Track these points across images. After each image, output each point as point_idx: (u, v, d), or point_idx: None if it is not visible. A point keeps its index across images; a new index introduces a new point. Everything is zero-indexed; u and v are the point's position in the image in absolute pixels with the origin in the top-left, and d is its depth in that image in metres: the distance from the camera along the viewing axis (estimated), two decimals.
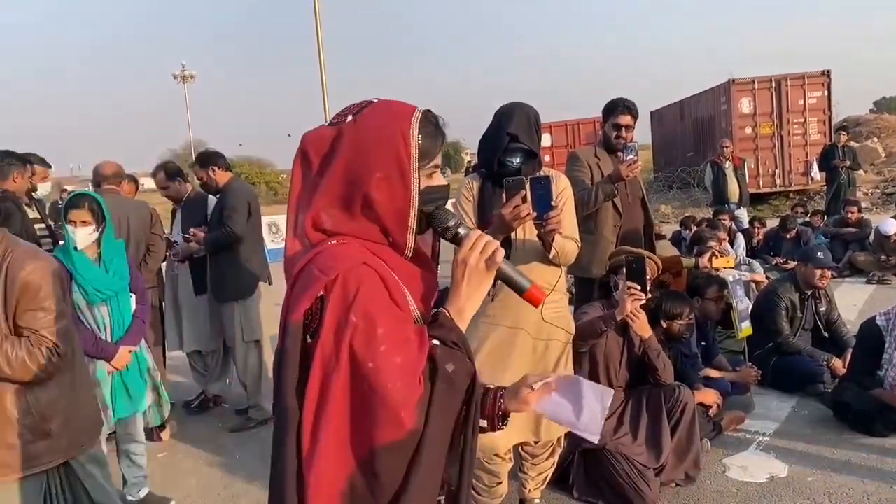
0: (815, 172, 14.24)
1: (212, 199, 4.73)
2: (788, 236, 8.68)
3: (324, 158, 1.23)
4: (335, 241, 1.21)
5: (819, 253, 4.76)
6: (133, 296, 3.30)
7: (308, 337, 1.16)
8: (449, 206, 1.36)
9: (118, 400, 3.22)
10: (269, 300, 4.68)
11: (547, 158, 16.28)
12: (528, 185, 2.31)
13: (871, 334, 3.92)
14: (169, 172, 4.88)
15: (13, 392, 2.12)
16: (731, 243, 7.47)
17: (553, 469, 3.04)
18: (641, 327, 3.19)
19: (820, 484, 3.28)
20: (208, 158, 4.60)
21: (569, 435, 3.02)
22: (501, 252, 1.26)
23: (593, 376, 3.27)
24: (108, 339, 3.18)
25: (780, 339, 4.67)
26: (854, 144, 15.51)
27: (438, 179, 1.28)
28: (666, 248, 5.32)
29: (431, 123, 1.26)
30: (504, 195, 2.36)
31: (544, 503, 3.14)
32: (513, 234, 2.56)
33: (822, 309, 4.83)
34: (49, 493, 2.29)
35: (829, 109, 15.69)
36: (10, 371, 2.06)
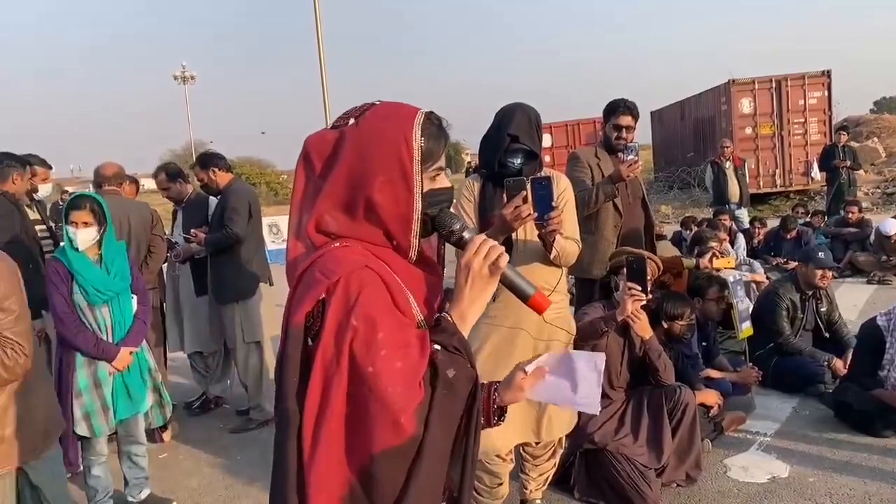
0: (816, 173, 14.26)
1: (212, 201, 4.73)
2: (789, 236, 8.68)
3: (326, 161, 1.22)
4: (338, 244, 1.20)
5: (820, 253, 4.76)
6: (134, 297, 3.30)
7: (309, 340, 1.15)
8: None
9: (119, 401, 3.22)
10: (270, 301, 4.68)
11: (547, 159, 16.27)
12: (528, 186, 2.31)
13: (871, 335, 3.92)
14: (170, 173, 4.88)
15: None
16: (732, 244, 7.47)
17: (554, 470, 3.04)
18: (642, 328, 3.19)
19: (821, 484, 3.28)
20: (208, 160, 4.61)
21: (570, 435, 3.03)
22: (506, 257, 1.25)
23: None
24: (110, 340, 3.18)
25: (781, 339, 4.67)
26: (854, 144, 15.50)
27: (442, 182, 1.27)
28: (666, 249, 5.32)
29: (434, 125, 1.24)
30: (505, 196, 2.36)
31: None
32: (514, 235, 2.56)
33: (823, 309, 4.83)
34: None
35: (829, 109, 15.67)
36: None
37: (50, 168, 4.67)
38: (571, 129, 19.30)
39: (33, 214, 4.14)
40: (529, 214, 2.31)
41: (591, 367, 1.32)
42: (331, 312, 1.12)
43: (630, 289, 3.05)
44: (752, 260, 7.62)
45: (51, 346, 3.78)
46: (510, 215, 2.31)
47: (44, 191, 4.66)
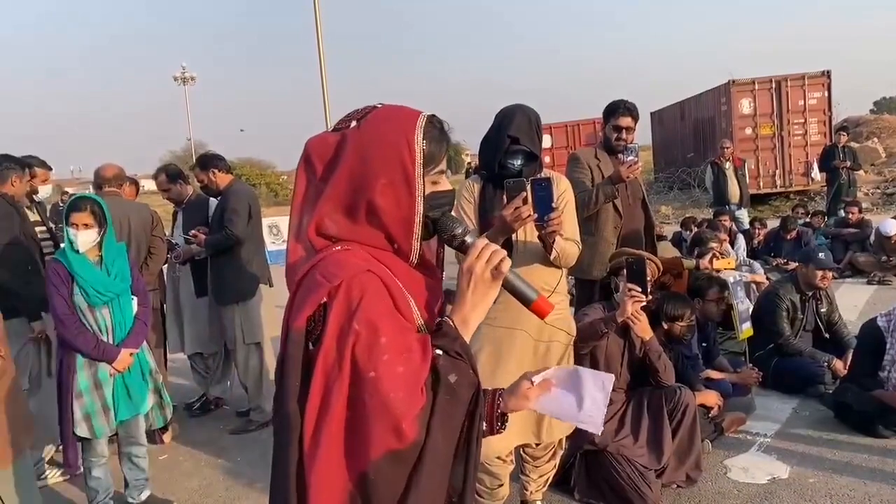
0: (816, 173, 14.26)
1: (213, 202, 4.73)
2: (789, 237, 8.68)
3: (328, 164, 1.22)
4: (339, 248, 1.20)
5: (820, 254, 4.76)
6: (134, 298, 3.30)
7: (310, 344, 1.15)
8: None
9: (120, 402, 3.22)
10: (270, 302, 4.69)
11: (547, 160, 16.27)
12: (528, 187, 2.31)
13: (872, 335, 3.92)
14: (170, 175, 4.88)
15: None
16: (732, 244, 7.47)
17: (554, 471, 3.04)
18: (642, 329, 3.19)
19: (821, 485, 3.28)
20: (208, 161, 4.61)
21: (570, 437, 3.03)
22: (508, 262, 1.24)
23: None
24: (110, 342, 3.19)
25: (781, 340, 4.67)
26: (854, 145, 15.50)
27: (444, 185, 1.26)
28: (666, 250, 5.31)
29: (436, 128, 1.24)
30: (505, 197, 2.36)
31: None
32: (514, 236, 2.56)
33: (823, 310, 4.83)
34: None
35: (829, 110, 15.66)
36: None
37: (50, 169, 4.67)
38: (571, 130, 19.31)
39: (33, 216, 4.15)
40: (529, 216, 2.31)
41: (598, 386, 1.30)
42: (332, 316, 1.12)
43: (630, 290, 3.05)
44: (752, 261, 7.62)
45: (51, 347, 3.79)
46: (510, 216, 2.31)
47: (44, 192, 4.66)
